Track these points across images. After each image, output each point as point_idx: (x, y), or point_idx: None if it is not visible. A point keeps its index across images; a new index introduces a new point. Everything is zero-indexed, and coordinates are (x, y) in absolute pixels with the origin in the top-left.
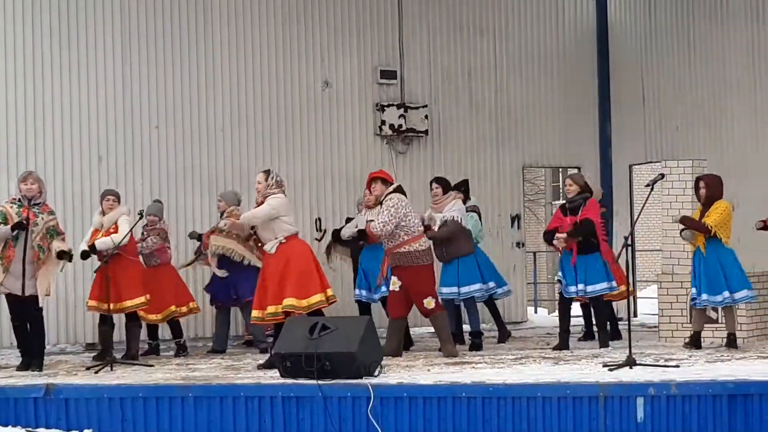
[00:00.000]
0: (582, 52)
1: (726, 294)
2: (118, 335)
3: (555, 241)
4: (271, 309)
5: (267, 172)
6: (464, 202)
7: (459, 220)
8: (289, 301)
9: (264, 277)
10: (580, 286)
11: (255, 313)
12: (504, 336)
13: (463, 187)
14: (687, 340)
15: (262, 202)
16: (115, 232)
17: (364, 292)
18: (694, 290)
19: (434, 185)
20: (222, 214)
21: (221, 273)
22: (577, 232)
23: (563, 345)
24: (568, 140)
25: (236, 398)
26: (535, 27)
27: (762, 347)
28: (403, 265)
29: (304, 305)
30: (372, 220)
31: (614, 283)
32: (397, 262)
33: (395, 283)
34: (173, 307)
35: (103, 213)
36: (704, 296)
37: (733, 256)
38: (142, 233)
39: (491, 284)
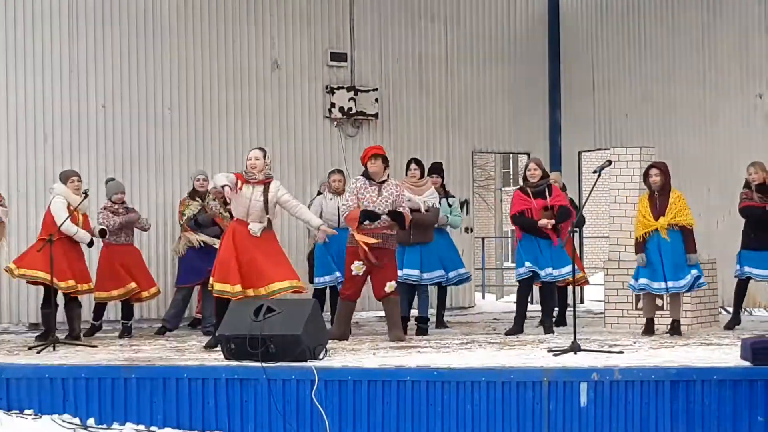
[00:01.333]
0: (533, 39)
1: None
2: (61, 315)
3: (543, 222)
4: (277, 286)
5: (263, 150)
6: (444, 187)
7: (438, 208)
8: (294, 282)
9: (250, 253)
10: (548, 270)
11: (222, 286)
12: (441, 323)
13: (443, 172)
14: (643, 329)
15: (267, 181)
16: (48, 213)
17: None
18: (658, 283)
19: (413, 166)
20: (207, 193)
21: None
22: (561, 219)
23: (519, 329)
24: (518, 126)
25: (180, 380)
26: (487, 13)
27: (706, 334)
28: (386, 247)
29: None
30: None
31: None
32: (383, 245)
33: (359, 268)
34: (133, 284)
35: None
36: (671, 283)
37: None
38: (118, 209)
39: (452, 273)
